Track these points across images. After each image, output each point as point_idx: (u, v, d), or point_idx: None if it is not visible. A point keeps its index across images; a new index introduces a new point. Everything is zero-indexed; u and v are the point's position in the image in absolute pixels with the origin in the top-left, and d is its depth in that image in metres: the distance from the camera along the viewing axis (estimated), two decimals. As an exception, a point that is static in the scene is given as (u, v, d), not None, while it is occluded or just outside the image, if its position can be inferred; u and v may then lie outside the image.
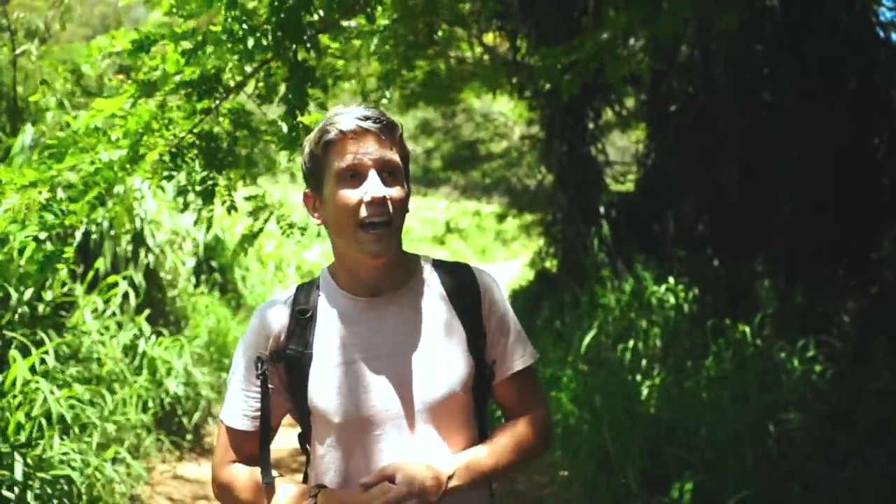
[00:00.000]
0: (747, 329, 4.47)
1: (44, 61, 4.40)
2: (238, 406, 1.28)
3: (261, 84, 1.90)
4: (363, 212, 1.18)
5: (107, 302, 4.14)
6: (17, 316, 3.34)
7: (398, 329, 1.25)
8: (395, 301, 1.26)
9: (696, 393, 3.75)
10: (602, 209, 6.91)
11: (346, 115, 1.20)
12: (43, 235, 1.68)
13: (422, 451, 1.21)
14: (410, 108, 8.65)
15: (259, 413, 1.25)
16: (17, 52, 4.06)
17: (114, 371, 3.95)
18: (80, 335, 3.73)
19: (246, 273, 8.18)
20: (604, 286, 6.31)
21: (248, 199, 2.27)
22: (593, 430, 3.51)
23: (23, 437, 2.55)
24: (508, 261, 17.64)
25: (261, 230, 2.31)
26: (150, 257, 4.96)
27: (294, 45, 1.81)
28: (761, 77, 5.53)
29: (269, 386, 1.25)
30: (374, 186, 1.18)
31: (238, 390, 1.28)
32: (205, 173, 1.90)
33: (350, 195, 1.19)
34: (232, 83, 1.86)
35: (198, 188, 1.91)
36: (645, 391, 4.29)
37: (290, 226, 2.20)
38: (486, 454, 1.25)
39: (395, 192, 1.20)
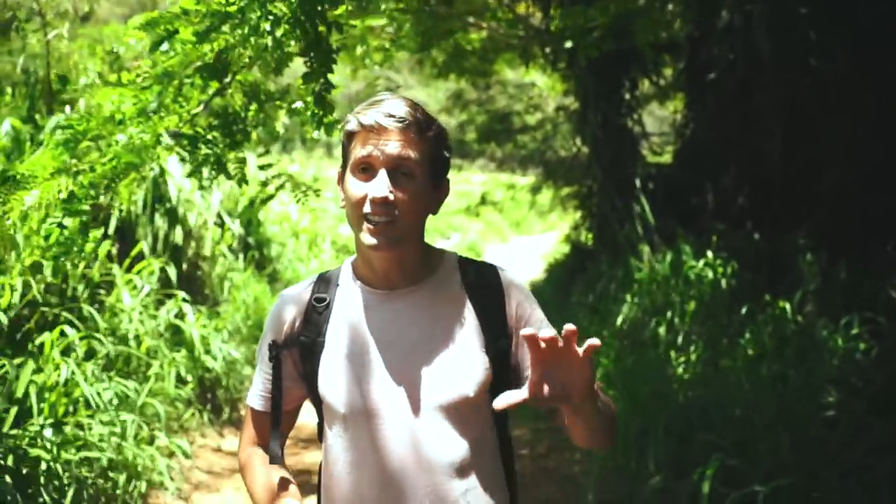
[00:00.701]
0: (788, 305, 4.34)
1: (76, 43, 4.46)
2: (258, 388, 1.33)
3: (275, 56, 1.88)
4: (366, 208, 1.18)
5: (144, 279, 4.23)
6: (54, 295, 3.43)
7: (412, 324, 1.24)
8: (413, 296, 1.25)
9: (732, 371, 3.67)
10: (638, 181, 6.76)
11: (373, 107, 1.19)
12: (67, 221, 1.70)
13: (429, 448, 1.20)
14: (440, 78, 8.56)
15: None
16: (50, 35, 4.12)
17: (152, 348, 4.05)
18: (119, 313, 3.82)
19: (282, 248, 8.27)
20: (640, 260, 6.21)
21: (261, 167, 2.28)
22: (623, 409, 3.47)
23: (60, 414, 2.63)
24: (545, 233, 17.53)
25: (272, 196, 2.34)
26: (185, 235, 5.04)
27: (314, 23, 1.78)
28: (808, 42, 5.28)
29: (283, 371, 1.28)
30: (379, 187, 1.17)
31: (260, 372, 1.33)
32: (218, 151, 1.91)
33: (359, 188, 1.19)
34: (246, 59, 1.86)
35: (212, 163, 1.91)
36: (680, 369, 4.22)
37: (304, 193, 2.20)
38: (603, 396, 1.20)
39: (405, 193, 1.18)
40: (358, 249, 1.27)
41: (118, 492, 3.00)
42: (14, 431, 2.39)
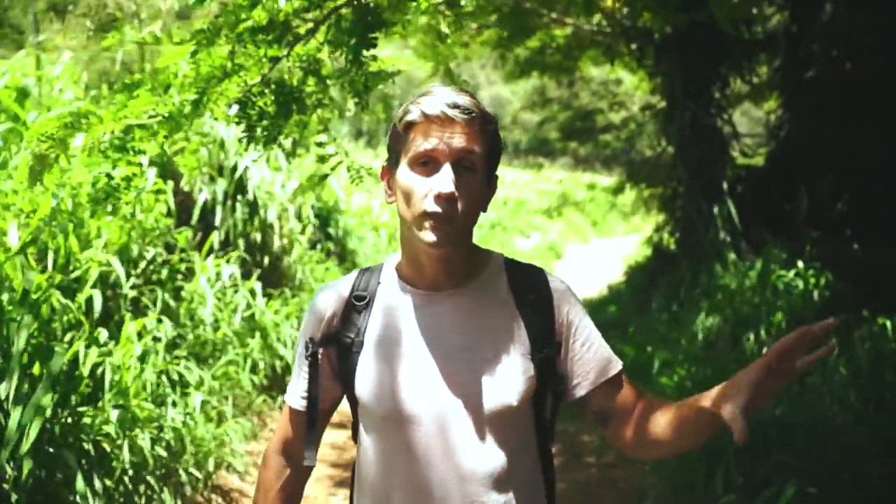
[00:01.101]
0: (888, 322, 4.01)
1: (170, 40, 4.66)
2: (295, 385, 1.29)
3: (331, 31, 1.88)
4: (428, 204, 1.11)
5: (222, 267, 4.38)
6: (135, 279, 3.60)
7: (455, 328, 1.18)
8: (456, 298, 1.19)
9: (820, 390, 3.42)
10: (726, 184, 6.44)
11: (435, 97, 1.12)
12: (116, 172, 1.76)
13: (465, 457, 1.15)
14: (523, 76, 8.45)
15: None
16: (143, 32, 4.33)
17: (227, 335, 4.19)
18: (196, 299, 3.97)
19: (360, 242, 8.40)
20: (725, 267, 5.92)
21: (318, 144, 2.28)
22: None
23: (131, 396, 2.74)
24: (628, 235, 17.06)
25: (326, 175, 2.34)
26: (265, 225, 5.19)
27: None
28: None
29: (320, 369, 1.24)
30: (444, 181, 1.10)
31: (298, 369, 1.29)
32: (270, 121, 1.92)
33: (420, 183, 1.12)
34: (302, 31, 1.87)
35: (264, 132, 1.93)
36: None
37: (359, 174, 2.17)
38: None
39: (468, 188, 1.13)
40: (404, 246, 1.22)
41: (187, 470, 3.11)
42: (83, 409, 2.51)
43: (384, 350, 1.20)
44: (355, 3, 1.80)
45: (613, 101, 9.46)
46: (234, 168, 4.99)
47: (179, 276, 4.05)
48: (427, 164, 1.12)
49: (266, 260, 5.32)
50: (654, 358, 4.92)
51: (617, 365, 1.22)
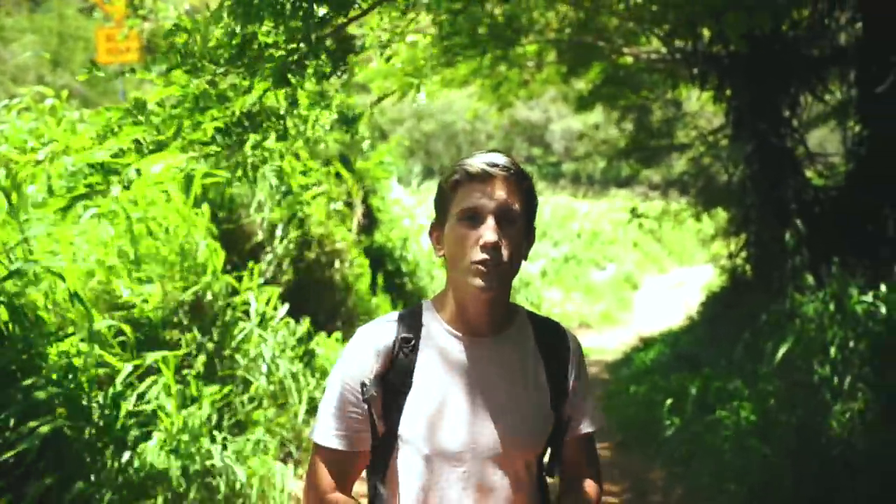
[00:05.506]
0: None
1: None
2: (333, 425, 1.31)
3: (320, 61, 2.01)
4: (476, 254, 1.25)
5: (269, 306, 4.46)
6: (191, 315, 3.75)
7: (494, 374, 1.32)
8: (495, 345, 1.33)
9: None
10: (801, 207, 6.12)
11: (476, 158, 1.28)
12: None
13: (498, 495, 1.30)
14: (586, 109, 8.45)
15: (358, 434, 1.31)
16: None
17: (288, 372, 4.27)
18: (250, 337, 4.08)
19: (432, 279, 8.48)
20: (802, 293, 5.59)
21: (303, 172, 2.39)
22: (769, 462, 3.08)
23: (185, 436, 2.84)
24: (708, 263, 16.40)
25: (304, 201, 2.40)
26: (316, 262, 5.32)
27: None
28: None
29: (373, 409, 1.30)
30: (489, 232, 1.24)
31: (335, 409, 1.31)
32: (255, 152, 2.05)
33: (467, 234, 1.26)
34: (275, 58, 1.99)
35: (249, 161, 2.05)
36: (833, 422, 3.71)
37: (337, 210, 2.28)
38: None
39: (510, 238, 1.27)
40: (453, 291, 1.32)
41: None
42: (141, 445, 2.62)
43: (431, 391, 1.30)
44: (338, 35, 1.90)
45: (678, 127, 9.24)
46: (291, 202, 5.10)
47: (238, 316, 4.17)
48: (473, 217, 1.26)
49: (323, 296, 5.44)
50: (717, 389, 4.69)
51: (583, 427, 1.39)
